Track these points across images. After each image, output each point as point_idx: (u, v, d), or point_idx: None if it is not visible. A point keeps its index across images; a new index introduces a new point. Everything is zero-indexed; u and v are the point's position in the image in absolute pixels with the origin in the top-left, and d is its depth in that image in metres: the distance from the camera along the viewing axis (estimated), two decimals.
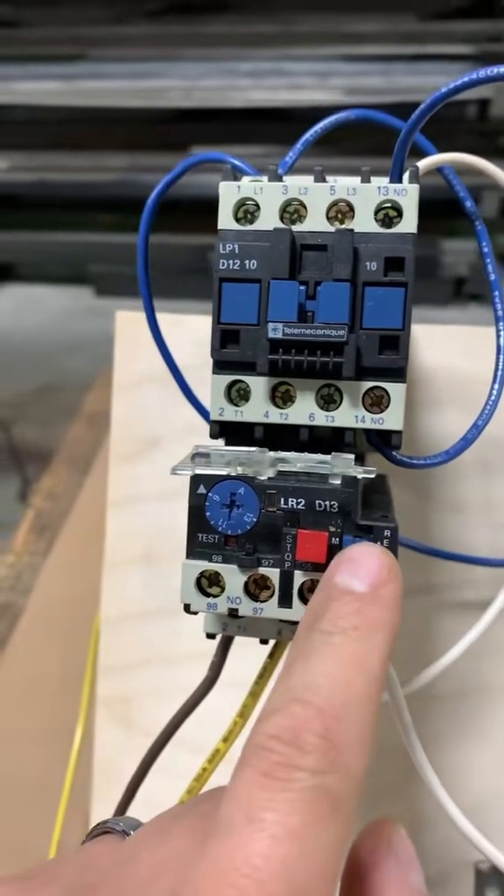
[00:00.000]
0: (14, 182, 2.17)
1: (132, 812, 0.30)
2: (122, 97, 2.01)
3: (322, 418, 0.25)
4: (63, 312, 2.16)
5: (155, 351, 0.31)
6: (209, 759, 0.28)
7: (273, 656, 0.28)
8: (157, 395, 0.40)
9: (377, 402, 0.25)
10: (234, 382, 0.25)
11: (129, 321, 0.40)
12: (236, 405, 0.25)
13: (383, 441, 0.25)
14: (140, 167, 2.10)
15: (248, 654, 0.28)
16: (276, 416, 0.25)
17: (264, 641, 0.27)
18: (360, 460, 0.27)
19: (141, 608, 0.40)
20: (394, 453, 0.25)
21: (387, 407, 0.24)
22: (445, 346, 0.39)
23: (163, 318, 0.31)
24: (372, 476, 0.22)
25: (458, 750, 0.37)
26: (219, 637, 0.27)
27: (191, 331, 0.39)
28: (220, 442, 0.27)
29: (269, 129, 2.00)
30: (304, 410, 0.25)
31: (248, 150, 1.98)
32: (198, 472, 0.22)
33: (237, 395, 0.26)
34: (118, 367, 0.40)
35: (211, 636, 0.26)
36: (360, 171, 0.24)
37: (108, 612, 0.39)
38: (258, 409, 0.25)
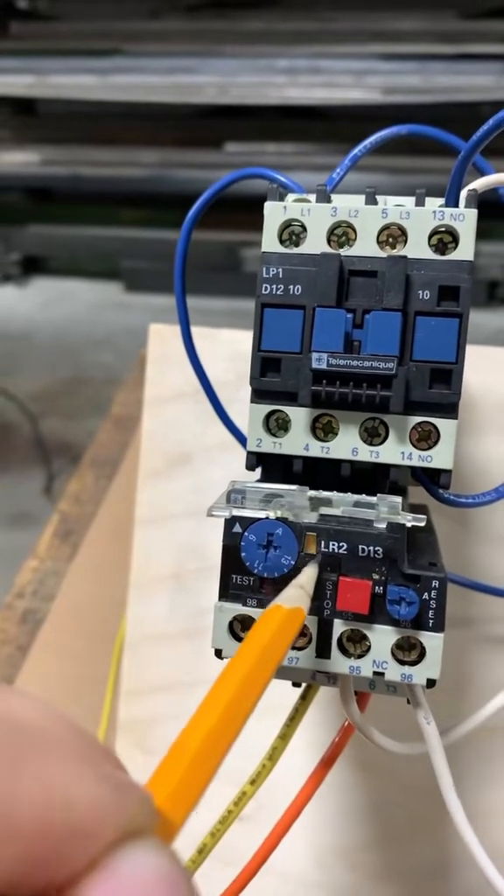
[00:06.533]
0: (46, 175, 2.17)
1: None
2: (156, 92, 2.00)
3: (366, 453, 0.23)
4: (91, 307, 2.17)
5: (188, 365, 0.30)
6: (235, 802, 0.27)
7: (305, 698, 0.26)
8: (188, 411, 0.38)
9: (425, 436, 0.23)
10: (272, 412, 0.24)
11: (161, 335, 0.39)
12: (275, 436, 0.24)
13: (430, 479, 0.24)
14: (172, 163, 2.10)
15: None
16: (316, 449, 0.24)
17: (296, 684, 0.25)
18: (401, 492, 0.25)
19: (166, 629, 0.38)
20: (441, 492, 0.24)
21: (435, 443, 0.23)
22: (487, 367, 0.37)
23: (196, 332, 0.29)
24: (422, 524, 0.20)
25: (485, 792, 0.36)
26: None
27: (224, 345, 0.38)
28: (256, 473, 0.25)
29: (304, 126, 1.98)
30: (347, 444, 0.23)
31: (281, 148, 1.96)
32: (235, 513, 0.21)
33: (276, 425, 0.24)
34: (150, 381, 0.39)
35: None
36: (414, 192, 0.23)
37: (132, 633, 0.38)
38: (298, 442, 0.24)
